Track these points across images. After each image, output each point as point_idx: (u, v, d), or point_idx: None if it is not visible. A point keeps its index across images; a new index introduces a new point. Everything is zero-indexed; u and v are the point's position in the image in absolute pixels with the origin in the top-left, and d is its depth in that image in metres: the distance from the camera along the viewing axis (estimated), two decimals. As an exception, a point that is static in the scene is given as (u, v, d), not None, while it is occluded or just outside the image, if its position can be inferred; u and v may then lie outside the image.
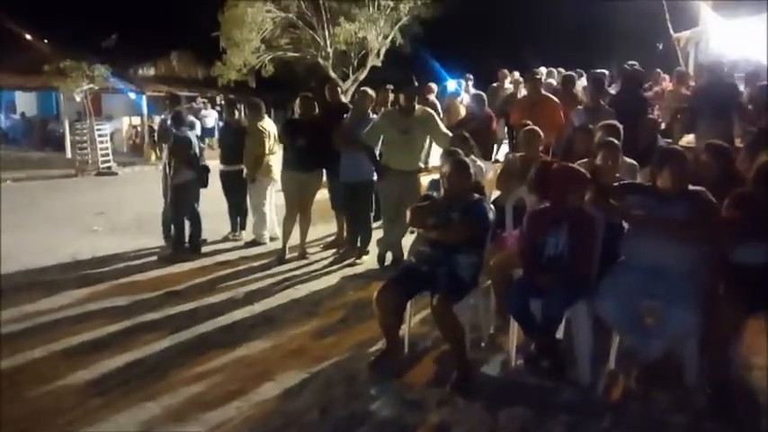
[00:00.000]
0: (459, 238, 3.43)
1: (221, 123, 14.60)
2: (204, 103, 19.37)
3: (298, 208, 6.13)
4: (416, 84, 5.54)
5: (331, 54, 19.00)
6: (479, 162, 5.25)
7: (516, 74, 12.55)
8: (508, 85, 12.13)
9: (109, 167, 15.01)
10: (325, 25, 18.44)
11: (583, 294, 3.23)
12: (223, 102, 19.19)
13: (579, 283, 3.26)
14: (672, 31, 12.29)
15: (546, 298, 3.20)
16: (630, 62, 10.49)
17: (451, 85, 14.39)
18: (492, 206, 3.64)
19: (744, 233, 3.10)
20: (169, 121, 6.91)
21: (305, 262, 6.04)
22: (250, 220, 7.09)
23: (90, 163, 14.95)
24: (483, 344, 3.77)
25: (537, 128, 5.16)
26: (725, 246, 3.21)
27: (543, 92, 6.52)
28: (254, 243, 6.78)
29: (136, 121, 19.13)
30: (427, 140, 5.50)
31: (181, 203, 6.46)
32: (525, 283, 3.34)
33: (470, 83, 13.93)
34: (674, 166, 3.25)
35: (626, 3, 15.11)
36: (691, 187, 3.33)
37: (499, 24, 22.22)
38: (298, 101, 6.11)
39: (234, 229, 7.25)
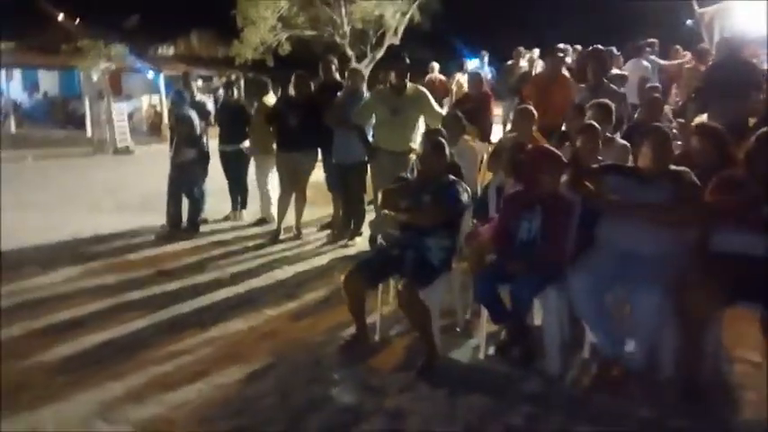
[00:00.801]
0: (430, 221, 3.34)
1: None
2: (237, 79, 19.35)
3: (292, 188, 6.08)
4: (408, 61, 5.31)
5: (348, 32, 18.75)
6: (472, 143, 5.11)
7: (536, 51, 12.27)
8: (523, 63, 11.86)
9: (126, 146, 15.17)
10: (342, 3, 18.17)
11: (553, 280, 3.11)
12: (241, 80, 19.15)
13: (550, 268, 3.13)
14: (696, 7, 11.81)
15: (515, 283, 3.08)
16: (650, 39, 10.16)
17: (471, 64, 14.06)
18: (467, 188, 3.51)
19: (727, 219, 2.93)
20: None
21: (298, 242, 6.00)
22: (252, 199, 7.08)
23: (108, 142, 15.13)
24: (458, 328, 3.68)
25: (530, 107, 5.00)
26: (706, 231, 3.03)
27: (563, 71, 6.29)
28: (262, 222, 6.75)
29: (155, 100, 19.25)
30: (421, 120, 5.35)
31: (179, 182, 6.47)
32: (496, 267, 3.22)
33: (486, 60, 13.64)
34: (654, 144, 3.09)
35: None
36: (673, 168, 3.16)
37: (519, 1, 21.65)
38: (292, 79, 6.00)
39: (234, 208, 7.25)
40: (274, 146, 6.20)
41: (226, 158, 7.04)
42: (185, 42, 22.65)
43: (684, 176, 3.07)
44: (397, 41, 20.13)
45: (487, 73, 13.36)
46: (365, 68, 19.91)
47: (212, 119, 7.23)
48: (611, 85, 5.87)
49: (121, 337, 3.84)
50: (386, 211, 3.49)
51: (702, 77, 6.48)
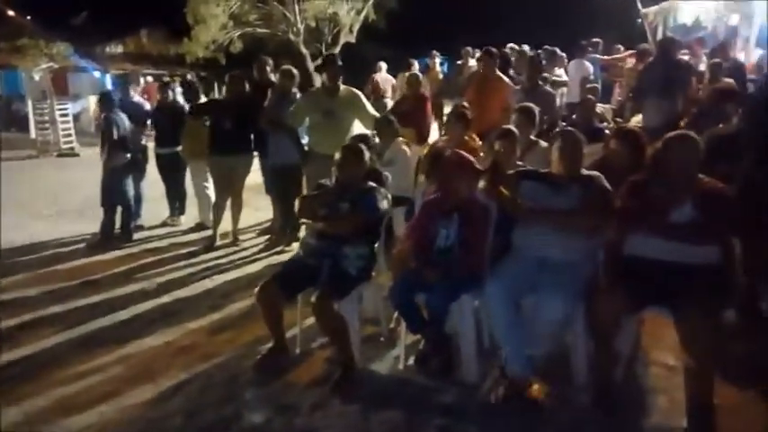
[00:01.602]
0: (347, 229, 3.24)
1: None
2: (173, 80, 18.91)
3: (228, 193, 5.91)
4: (340, 62, 5.20)
5: (302, 30, 18.54)
6: (405, 147, 5.03)
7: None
8: (473, 63, 11.88)
9: (71, 148, 14.64)
10: (295, 0, 17.95)
11: (470, 288, 3.05)
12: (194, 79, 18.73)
13: (467, 276, 3.07)
14: (640, 6, 12.01)
15: (430, 291, 3.02)
16: (594, 39, 10.28)
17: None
18: (387, 195, 3.43)
19: (634, 223, 2.92)
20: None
21: (234, 249, 5.84)
22: (191, 203, 6.88)
23: (52, 143, 14.58)
24: (382, 338, 3.61)
25: (465, 110, 4.95)
26: (617, 236, 3.02)
27: (497, 71, 6.26)
28: (199, 227, 6.57)
29: (103, 99, 18.65)
30: (356, 122, 5.25)
31: (110, 188, 6.23)
32: (412, 275, 3.15)
33: (437, 60, 13.59)
34: (563, 149, 3.06)
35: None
36: (585, 172, 3.14)
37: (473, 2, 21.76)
38: (226, 79, 5.83)
39: (172, 213, 7.05)
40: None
41: (162, 162, 6.84)
42: (135, 40, 22.05)
43: (594, 181, 3.06)
44: (352, 39, 20.02)
45: (440, 72, 13.33)
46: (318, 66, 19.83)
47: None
48: (546, 87, 5.89)
49: (33, 355, 3.65)
50: (303, 220, 3.38)
51: (637, 77, 6.56)
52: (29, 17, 19.52)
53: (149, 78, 16.62)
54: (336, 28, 19.54)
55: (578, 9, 17.58)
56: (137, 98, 7.00)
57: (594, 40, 9.88)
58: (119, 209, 6.29)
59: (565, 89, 8.93)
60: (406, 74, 12.29)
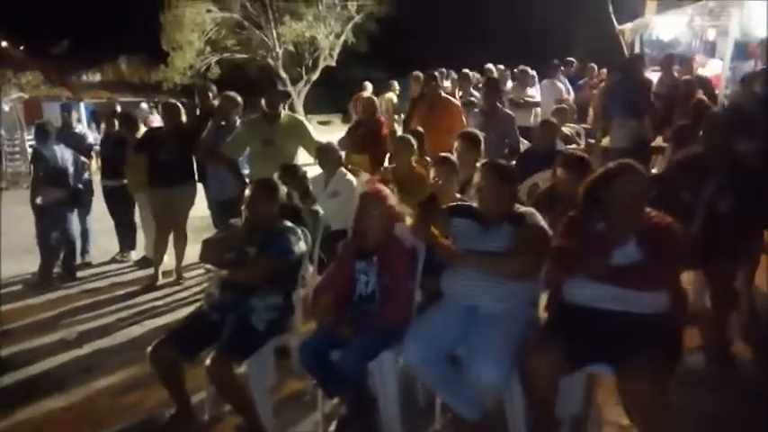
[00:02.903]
0: (254, 277, 2.85)
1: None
2: (151, 107, 18.64)
3: (170, 228, 5.53)
4: (283, 88, 4.87)
5: (280, 54, 18.36)
6: (350, 177, 4.66)
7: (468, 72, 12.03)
8: (446, 84, 11.62)
9: (42, 180, 14.23)
10: (273, 25, 17.79)
11: (391, 343, 2.66)
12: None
13: (387, 329, 2.68)
14: (615, 23, 11.82)
15: (343, 349, 2.62)
16: (568, 58, 10.04)
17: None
18: (304, 235, 3.05)
19: (574, 266, 2.54)
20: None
21: (176, 288, 5.44)
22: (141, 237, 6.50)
23: (23, 175, 14.19)
24: (307, 396, 3.19)
25: (409, 137, 4.60)
26: (555, 281, 2.65)
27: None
28: (148, 263, 6.17)
29: (78, 129, 18.29)
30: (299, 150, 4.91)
31: (46, 226, 5.85)
32: (327, 330, 2.76)
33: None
34: (491, 183, 2.70)
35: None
36: (520, 209, 2.77)
37: (453, 22, 21.65)
38: (161, 108, 5.48)
39: (122, 248, 6.65)
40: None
41: (109, 195, 6.48)
42: (114, 68, 21.81)
43: (526, 219, 2.69)
44: (333, 63, 19.87)
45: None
46: (301, 90, 19.63)
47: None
48: (505, 109, 5.58)
49: None
50: (208, 267, 2.99)
51: (603, 97, 6.26)
52: (4, 44, 19.31)
53: (143, 105, 16.21)
54: (316, 51, 19.40)
55: (555, 28, 17.45)
56: (79, 128, 6.65)
57: (568, 59, 9.63)
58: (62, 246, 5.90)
59: (539, 109, 8.64)
60: (362, 95, 12.15)
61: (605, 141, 6.30)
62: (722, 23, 9.53)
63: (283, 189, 3.09)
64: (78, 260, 6.22)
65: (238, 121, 5.16)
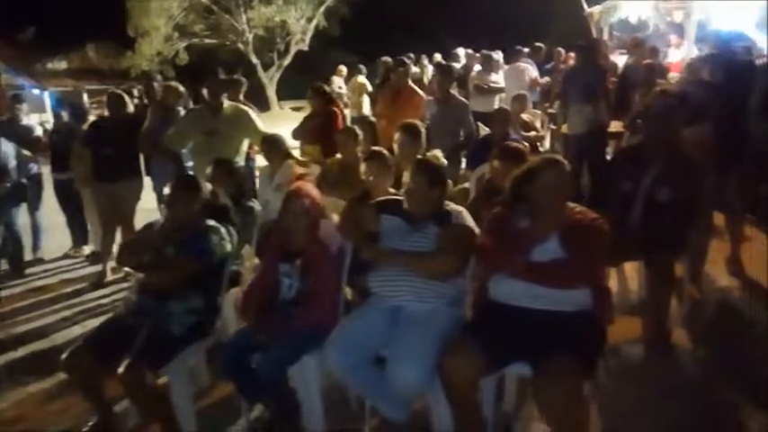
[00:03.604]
0: (171, 279, 2.74)
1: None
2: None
3: (115, 223, 5.36)
4: (223, 76, 4.71)
5: (250, 39, 18.03)
6: (296, 169, 4.53)
7: (438, 56, 11.88)
8: (415, 70, 11.47)
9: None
10: (242, 10, 17.44)
11: (312, 347, 2.57)
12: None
13: (309, 333, 2.59)
14: (585, 6, 11.74)
15: (262, 354, 2.53)
16: (537, 44, 9.93)
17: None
18: (229, 235, 2.93)
19: (496, 263, 2.47)
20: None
21: (125, 286, 5.26)
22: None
23: (-15, 167, 13.81)
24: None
25: (354, 127, 4.49)
26: (481, 280, 2.58)
27: (409, 82, 5.82)
28: (95, 257, 6.00)
29: (46, 118, 17.88)
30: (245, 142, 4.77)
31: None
32: (246, 333, 2.66)
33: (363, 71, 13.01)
34: (417, 185, 2.60)
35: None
36: (448, 207, 2.68)
37: (425, 5, 21.39)
38: (105, 98, 5.29)
39: (75, 243, 6.46)
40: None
41: (58, 189, 6.27)
42: (80, 55, 21.28)
43: (452, 217, 2.60)
44: (305, 47, 19.58)
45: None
46: (273, 75, 19.32)
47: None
48: (458, 97, 5.48)
49: None
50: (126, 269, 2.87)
51: (561, 83, 6.17)
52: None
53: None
54: (288, 36, 19.10)
55: (530, 11, 17.32)
56: (26, 120, 6.41)
57: (537, 44, 9.52)
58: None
59: (504, 95, 8.54)
60: (362, 77, 11.97)
61: (565, 127, 6.24)
62: (687, 5, 9.49)
63: (207, 186, 2.96)
64: (30, 256, 6.04)
65: (182, 112, 5.00)
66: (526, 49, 9.15)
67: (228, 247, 2.89)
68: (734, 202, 4.14)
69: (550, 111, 8.13)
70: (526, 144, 5.25)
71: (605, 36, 11.24)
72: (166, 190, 4.81)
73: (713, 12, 8.75)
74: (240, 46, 18.32)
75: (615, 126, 6.59)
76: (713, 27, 8.38)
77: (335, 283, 2.72)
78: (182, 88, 5.05)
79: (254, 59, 18.47)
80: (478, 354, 2.30)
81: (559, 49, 9.71)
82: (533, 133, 6.53)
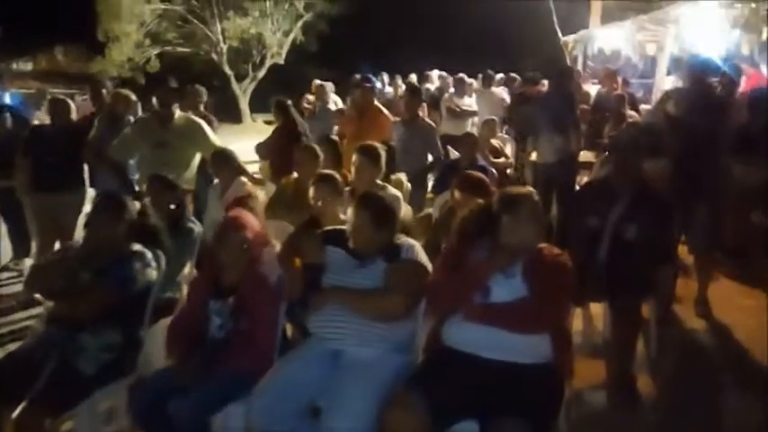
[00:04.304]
0: (85, 310, 2.42)
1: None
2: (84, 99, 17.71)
3: (55, 237, 4.98)
4: (175, 84, 4.43)
5: (224, 50, 17.73)
6: (248, 186, 4.25)
7: (414, 77, 11.73)
8: (388, 90, 11.35)
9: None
10: (217, 20, 17.16)
11: (240, 394, 2.28)
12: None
13: (238, 377, 2.30)
14: (560, 35, 11.80)
15: (182, 397, 2.23)
16: (512, 74, 9.86)
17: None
18: (155, 261, 2.63)
19: (446, 303, 2.24)
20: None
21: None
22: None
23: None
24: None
25: (314, 146, 4.24)
26: (435, 323, 2.34)
27: (374, 102, 5.61)
28: None
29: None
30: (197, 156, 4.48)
31: None
32: (167, 373, 2.36)
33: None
34: (360, 222, 2.36)
35: (518, 5, 14.52)
36: (399, 240, 2.44)
37: (405, 26, 21.42)
38: (47, 104, 4.95)
39: (16, 255, 6.04)
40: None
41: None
42: (48, 58, 20.70)
43: (403, 253, 2.36)
44: (281, 61, 19.35)
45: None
46: (247, 87, 19.02)
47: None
48: (426, 119, 5.29)
49: None
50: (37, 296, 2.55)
51: (533, 112, 6.01)
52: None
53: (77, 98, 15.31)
54: (264, 49, 18.86)
55: (508, 37, 17.40)
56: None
57: (512, 75, 9.44)
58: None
59: (476, 119, 8.42)
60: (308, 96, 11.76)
61: (534, 155, 6.09)
62: (660, 38, 9.54)
63: (135, 205, 2.66)
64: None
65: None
66: (500, 75, 9.05)
67: (154, 274, 2.59)
68: (698, 240, 3.99)
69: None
70: (494, 171, 5.15)
71: (579, 65, 11.29)
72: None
73: (686, 44, 8.79)
74: (214, 56, 18.01)
75: (586, 156, 6.50)
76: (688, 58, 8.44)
77: (273, 321, 2.44)
78: (133, 96, 4.74)
79: (228, 71, 18.16)
80: (423, 409, 2.04)
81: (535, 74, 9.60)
82: (502, 159, 6.39)
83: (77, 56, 21.17)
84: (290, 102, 5.67)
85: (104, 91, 5.23)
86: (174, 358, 2.41)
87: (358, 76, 8.67)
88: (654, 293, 3.25)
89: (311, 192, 2.97)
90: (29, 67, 20.73)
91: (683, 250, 4.40)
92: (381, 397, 2.15)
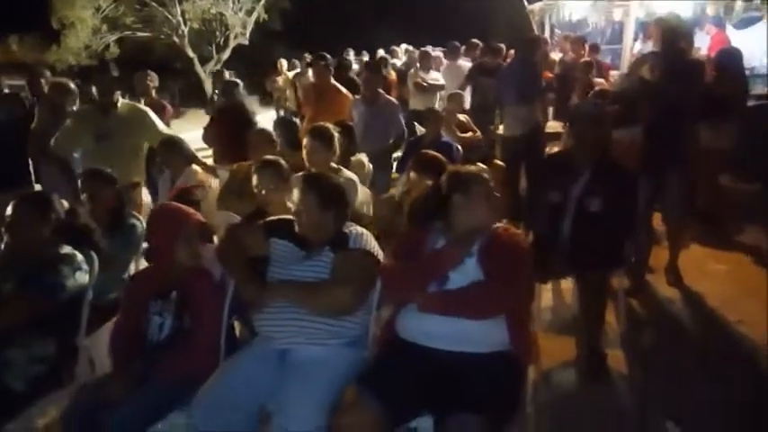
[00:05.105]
0: (12, 322, 2.23)
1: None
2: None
3: None
4: (116, 72, 4.18)
5: (186, 32, 17.16)
6: (200, 175, 4.04)
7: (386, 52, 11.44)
8: (356, 67, 11.07)
9: None
10: (176, 1, 16.56)
11: (181, 400, 2.12)
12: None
13: (181, 382, 2.14)
14: (526, 3, 11.56)
15: (114, 410, 2.06)
16: (473, 40, 9.63)
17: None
18: (88, 264, 2.44)
19: (399, 291, 2.11)
20: None
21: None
22: None
23: None
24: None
25: (266, 129, 4.04)
26: (390, 314, 2.20)
27: (331, 80, 5.39)
28: None
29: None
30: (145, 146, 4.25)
31: None
32: (99, 385, 2.19)
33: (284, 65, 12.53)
34: (306, 205, 2.20)
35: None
36: (348, 229, 2.28)
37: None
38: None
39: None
40: None
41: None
42: (2, 48, 19.84)
43: (351, 243, 2.20)
44: (245, 41, 18.82)
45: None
46: (212, 70, 18.48)
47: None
48: (388, 96, 5.10)
49: None
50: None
51: (497, 81, 5.85)
52: None
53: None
54: (227, 30, 18.30)
55: (475, 7, 17.10)
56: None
57: (473, 41, 9.20)
58: None
59: (443, 92, 8.22)
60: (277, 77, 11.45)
61: (501, 128, 5.95)
62: (627, 3, 9.39)
63: (63, 204, 2.46)
64: None
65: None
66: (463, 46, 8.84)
67: (85, 277, 2.40)
68: (673, 209, 3.90)
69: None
70: (458, 147, 4.99)
71: (546, 33, 11.13)
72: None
73: (653, 10, 8.65)
74: (176, 39, 17.42)
75: (554, 127, 6.37)
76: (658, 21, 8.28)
77: (218, 319, 2.28)
78: (71, 85, 4.46)
79: (191, 53, 17.62)
80: (375, 407, 1.91)
81: (501, 45, 9.42)
82: (470, 134, 6.23)
83: (33, 45, 20.31)
84: (238, 81, 5.40)
85: (43, 81, 4.93)
86: (112, 366, 2.24)
87: (308, 55, 8.39)
88: (621, 266, 3.14)
89: (254, 180, 2.79)
90: (-18, 58, 19.87)
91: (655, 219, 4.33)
92: (332, 397, 2.02)
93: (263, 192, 2.77)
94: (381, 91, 5.08)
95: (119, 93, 4.12)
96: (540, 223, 3.16)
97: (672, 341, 3.44)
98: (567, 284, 3.73)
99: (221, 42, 18.75)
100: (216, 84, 10.94)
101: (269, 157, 2.97)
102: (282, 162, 2.90)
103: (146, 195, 4.28)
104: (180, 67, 19.81)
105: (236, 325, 2.57)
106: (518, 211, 4.28)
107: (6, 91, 4.80)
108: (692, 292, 3.91)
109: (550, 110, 6.75)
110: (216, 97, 7.11)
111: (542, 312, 3.65)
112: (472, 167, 2.28)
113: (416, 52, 9.48)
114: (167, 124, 5.44)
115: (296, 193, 2.22)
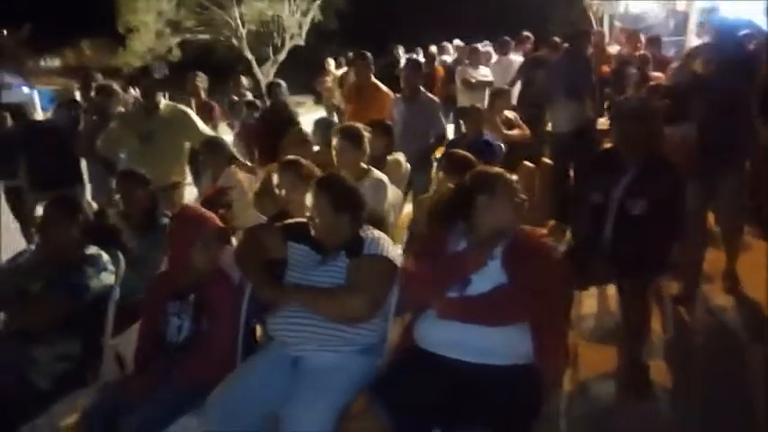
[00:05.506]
0: (39, 321, 2.29)
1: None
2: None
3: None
4: (165, 72, 4.29)
5: (244, 34, 17.57)
6: (240, 175, 4.07)
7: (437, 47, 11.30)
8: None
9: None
10: (234, 4, 16.98)
11: (196, 403, 2.12)
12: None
13: (197, 386, 2.14)
14: (584, -4, 11.21)
15: (133, 411, 2.07)
16: (525, 33, 9.34)
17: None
18: (114, 264, 2.48)
19: (421, 295, 2.03)
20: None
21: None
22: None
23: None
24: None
25: (303, 129, 4.03)
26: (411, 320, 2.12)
27: (372, 78, 5.34)
28: None
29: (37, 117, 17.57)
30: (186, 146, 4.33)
31: None
32: (116, 386, 2.21)
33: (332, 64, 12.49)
34: (320, 209, 2.14)
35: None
36: (365, 232, 2.21)
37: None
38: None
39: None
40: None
41: (7, 194, 5.86)
42: (75, 52, 20.99)
43: (366, 248, 2.13)
44: (301, 42, 19.09)
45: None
46: (269, 71, 18.88)
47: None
48: (428, 94, 4.99)
49: None
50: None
51: (546, 77, 5.63)
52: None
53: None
54: (284, 31, 18.63)
55: (530, 2, 16.66)
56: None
57: (524, 34, 8.92)
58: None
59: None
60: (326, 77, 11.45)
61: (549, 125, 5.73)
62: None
63: (92, 205, 2.51)
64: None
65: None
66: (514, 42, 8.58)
67: (111, 278, 2.44)
68: (727, 211, 3.62)
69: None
70: (501, 145, 4.82)
71: (605, 27, 10.69)
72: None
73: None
74: (234, 41, 17.88)
75: (605, 124, 6.08)
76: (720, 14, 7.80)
77: (235, 322, 2.27)
78: (115, 87, 4.60)
79: (249, 55, 18.02)
80: (385, 419, 1.84)
81: (526, 33, 9.02)
82: (517, 131, 6.03)
83: (101, 49, 21.38)
84: (281, 82, 5.42)
85: (93, 84, 5.11)
86: (134, 366, 2.26)
87: (351, 54, 8.34)
88: (666, 271, 2.93)
89: (275, 180, 2.77)
90: (56, 63, 21.07)
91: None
92: (342, 403, 1.96)
93: (284, 192, 2.75)
94: (422, 89, 4.97)
95: (161, 94, 4.21)
96: (581, 225, 3.00)
97: (723, 354, 3.19)
98: (612, 291, 3.53)
99: (278, 44, 19.09)
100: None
101: (290, 157, 2.94)
102: (304, 162, 2.86)
103: (192, 195, 4.36)
104: (239, 69, 20.34)
105: (257, 328, 2.54)
106: (565, 213, 4.11)
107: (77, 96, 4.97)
108: (748, 300, 3.62)
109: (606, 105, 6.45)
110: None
111: (584, 320, 3.48)
112: (495, 167, 2.16)
113: (467, 48, 9.28)
114: (216, 125, 5.55)
115: (309, 196, 2.17)
